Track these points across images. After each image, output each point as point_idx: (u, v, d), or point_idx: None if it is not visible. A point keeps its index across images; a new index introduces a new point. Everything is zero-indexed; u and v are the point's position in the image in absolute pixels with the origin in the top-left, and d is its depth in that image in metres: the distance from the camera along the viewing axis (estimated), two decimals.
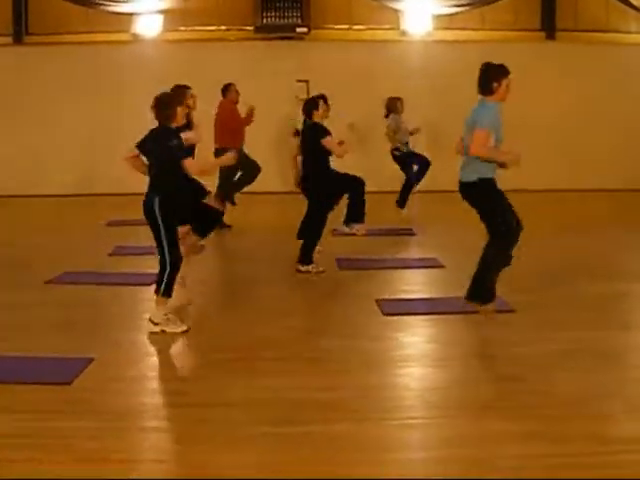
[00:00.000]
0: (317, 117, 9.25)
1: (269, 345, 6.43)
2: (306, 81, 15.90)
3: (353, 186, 9.50)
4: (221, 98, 12.72)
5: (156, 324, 6.68)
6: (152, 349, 6.46)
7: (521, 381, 5.52)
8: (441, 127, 16.26)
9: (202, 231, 7.51)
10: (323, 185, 9.14)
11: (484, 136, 6.70)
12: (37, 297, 7.89)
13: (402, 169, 13.16)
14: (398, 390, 5.57)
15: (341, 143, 9.14)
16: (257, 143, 13.22)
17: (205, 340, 6.68)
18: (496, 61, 16.74)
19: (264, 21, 15.25)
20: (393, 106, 13.17)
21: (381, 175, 14.19)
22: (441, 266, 9.33)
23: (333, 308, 7.72)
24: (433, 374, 5.90)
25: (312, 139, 9.11)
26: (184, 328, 6.73)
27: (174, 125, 6.81)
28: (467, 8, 15.93)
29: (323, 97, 9.47)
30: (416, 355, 6.36)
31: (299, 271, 8.97)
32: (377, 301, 7.65)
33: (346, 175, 9.46)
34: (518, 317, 7.20)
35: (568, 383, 5.45)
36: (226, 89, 12.72)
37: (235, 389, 5.41)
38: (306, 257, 9.01)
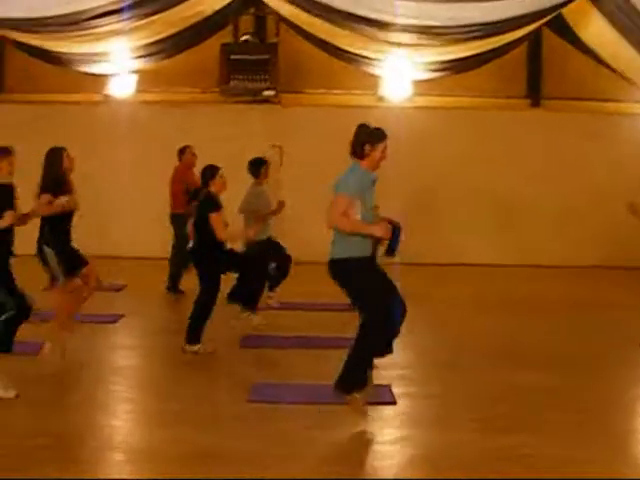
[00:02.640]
0: (214, 187, 8.61)
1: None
2: (279, 146, 15.58)
3: (244, 267, 9.01)
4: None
5: None
6: None
7: None
8: (422, 194, 15.85)
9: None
10: (210, 262, 8.54)
11: (343, 203, 6.10)
12: None
13: None
14: None
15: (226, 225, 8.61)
16: (231, 209, 12.78)
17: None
18: (478, 128, 16.50)
19: (231, 84, 14.97)
20: None
21: None
22: None
23: (199, 392, 7.13)
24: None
25: (203, 210, 8.53)
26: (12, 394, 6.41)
27: None
28: (447, 73, 15.44)
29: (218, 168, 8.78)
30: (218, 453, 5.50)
31: (184, 351, 8.36)
32: (253, 385, 7.11)
33: (240, 255, 8.96)
34: (393, 411, 6.59)
35: None
36: (182, 152, 12.28)
37: None
38: (193, 336, 8.40)
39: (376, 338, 6.25)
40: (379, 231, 6.19)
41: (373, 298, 6.22)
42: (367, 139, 6.28)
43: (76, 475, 5.00)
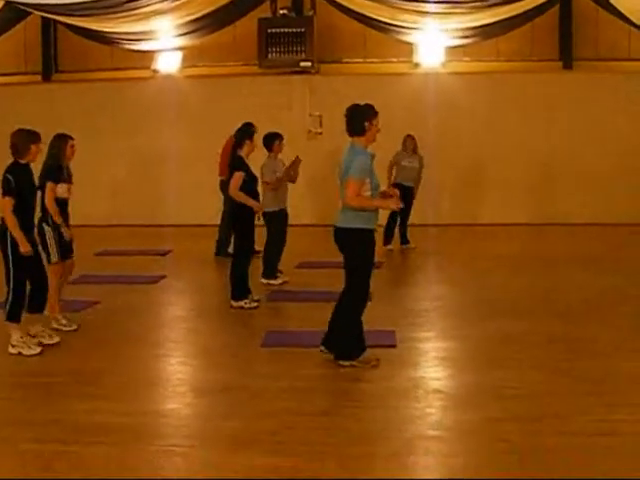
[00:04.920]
0: (242, 152, 9.25)
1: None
2: (319, 115, 16.22)
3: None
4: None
5: (14, 346, 7.20)
6: None
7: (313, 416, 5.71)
8: (458, 158, 16.33)
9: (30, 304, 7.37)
10: (239, 219, 9.21)
11: (356, 185, 6.65)
12: None
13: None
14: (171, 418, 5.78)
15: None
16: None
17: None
18: (511, 91, 16.75)
19: (269, 56, 15.68)
20: (403, 143, 13.35)
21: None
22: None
23: (217, 339, 8.00)
24: (213, 405, 6.01)
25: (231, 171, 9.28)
26: (37, 351, 7.19)
27: (24, 161, 7.21)
28: (479, 39, 15.88)
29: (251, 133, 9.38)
30: (228, 386, 6.38)
31: (232, 307, 9.08)
32: (267, 332, 7.89)
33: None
34: (391, 353, 7.25)
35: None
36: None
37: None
38: (236, 293, 9.13)
39: (359, 303, 6.88)
40: (393, 204, 6.93)
41: (365, 268, 6.86)
42: (365, 116, 6.74)
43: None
